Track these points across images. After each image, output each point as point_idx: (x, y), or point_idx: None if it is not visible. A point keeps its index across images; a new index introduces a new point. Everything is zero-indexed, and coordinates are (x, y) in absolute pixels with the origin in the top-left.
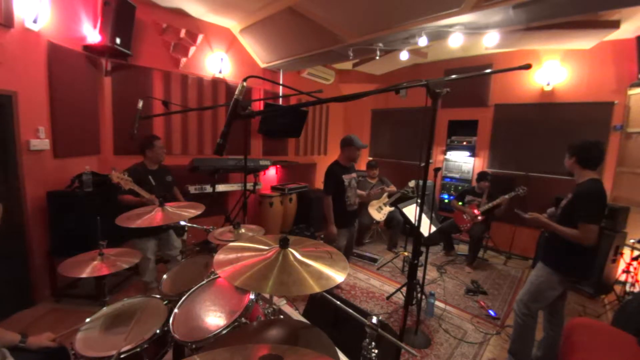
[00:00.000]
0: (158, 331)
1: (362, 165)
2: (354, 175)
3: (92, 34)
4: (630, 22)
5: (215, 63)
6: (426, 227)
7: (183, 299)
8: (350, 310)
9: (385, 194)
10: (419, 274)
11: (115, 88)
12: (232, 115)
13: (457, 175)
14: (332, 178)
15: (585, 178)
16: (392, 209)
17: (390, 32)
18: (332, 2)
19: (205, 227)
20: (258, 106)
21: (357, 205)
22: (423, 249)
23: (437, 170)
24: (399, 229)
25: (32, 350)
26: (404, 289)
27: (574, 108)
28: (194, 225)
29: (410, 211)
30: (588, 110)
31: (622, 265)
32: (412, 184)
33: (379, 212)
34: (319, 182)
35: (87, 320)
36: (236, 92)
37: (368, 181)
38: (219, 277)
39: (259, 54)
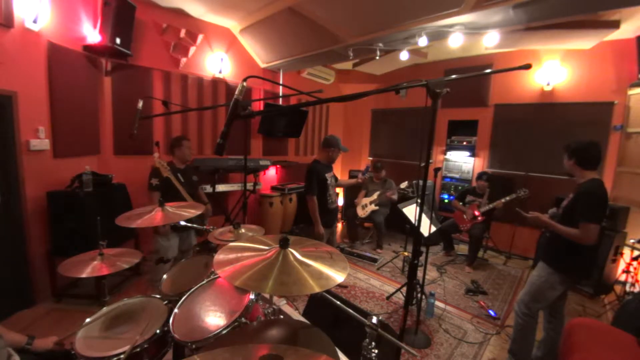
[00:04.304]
0: (158, 331)
1: (362, 164)
2: (332, 173)
3: (92, 34)
4: (630, 22)
5: (215, 63)
6: (426, 227)
7: (183, 299)
8: (350, 310)
9: (376, 194)
10: (419, 274)
11: (115, 88)
12: (232, 116)
13: (457, 175)
14: (316, 177)
15: (586, 178)
16: (377, 208)
17: (390, 32)
18: (332, 2)
19: (205, 227)
20: (258, 106)
21: (336, 204)
22: (423, 249)
23: (437, 170)
24: (381, 230)
25: (37, 353)
26: (404, 289)
27: (574, 108)
28: (194, 225)
29: (410, 211)
30: (588, 110)
31: (622, 265)
32: (404, 185)
33: (363, 209)
34: None
35: (87, 320)
36: (236, 92)
37: (374, 182)
38: (219, 277)
39: (259, 54)
